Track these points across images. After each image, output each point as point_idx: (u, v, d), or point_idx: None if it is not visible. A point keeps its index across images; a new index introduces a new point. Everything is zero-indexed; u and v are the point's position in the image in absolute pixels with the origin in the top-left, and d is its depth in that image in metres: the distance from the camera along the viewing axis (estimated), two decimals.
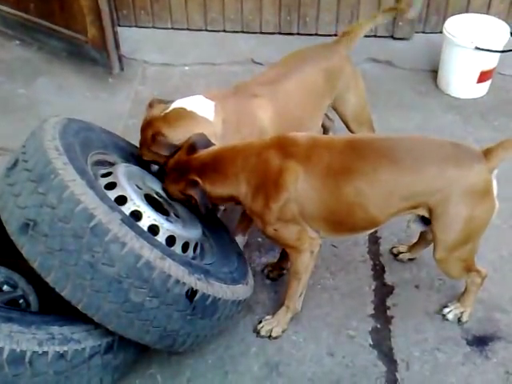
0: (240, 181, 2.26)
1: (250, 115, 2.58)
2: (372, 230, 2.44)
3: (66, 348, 1.92)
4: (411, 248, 2.80)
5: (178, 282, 1.94)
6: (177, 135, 2.43)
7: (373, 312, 2.59)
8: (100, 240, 1.87)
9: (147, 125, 2.52)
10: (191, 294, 1.98)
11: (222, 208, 2.94)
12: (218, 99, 2.55)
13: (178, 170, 2.35)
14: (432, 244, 2.33)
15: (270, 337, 2.48)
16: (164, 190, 2.42)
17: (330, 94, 2.88)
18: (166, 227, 2.17)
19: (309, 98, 2.78)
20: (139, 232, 1.94)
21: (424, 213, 2.23)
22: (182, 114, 2.48)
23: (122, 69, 4.02)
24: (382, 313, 2.59)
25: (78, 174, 1.96)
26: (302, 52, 2.92)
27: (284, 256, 2.67)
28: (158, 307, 1.94)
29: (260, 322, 2.53)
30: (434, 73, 4.04)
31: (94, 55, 4.01)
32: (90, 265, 1.88)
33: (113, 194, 2.15)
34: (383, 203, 2.19)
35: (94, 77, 4.06)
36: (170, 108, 2.52)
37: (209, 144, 2.37)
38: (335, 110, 3.01)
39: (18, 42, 4.38)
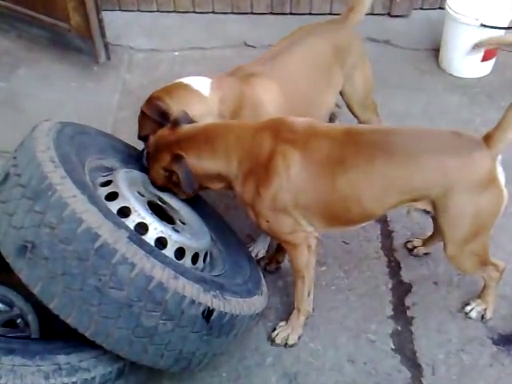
0: (231, 158, 2.10)
1: (249, 96, 2.41)
2: (368, 223, 2.31)
3: (74, 379, 1.76)
4: (426, 241, 2.68)
5: (193, 302, 1.78)
6: (173, 103, 2.30)
7: (392, 313, 2.47)
8: (107, 262, 1.70)
9: (148, 99, 2.36)
10: (208, 313, 1.83)
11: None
12: (216, 78, 2.42)
13: (160, 147, 2.17)
14: None
15: (285, 345, 2.35)
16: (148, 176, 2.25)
17: (341, 71, 2.70)
18: (175, 239, 2.00)
19: (316, 72, 2.60)
20: (149, 250, 1.77)
21: (427, 206, 2.11)
22: (179, 86, 2.37)
23: (108, 57, 3.79)
24: (401, 313, 2.47)
25: (78, 189, 1.78)
26: (307, 27, 2.75)
27: (281, 248, 2.52)
28: (172, 330, 1.79)
29: (274, 329, 2.39)
30: (436, 51, 3.87)
31: (77, 43, 3.77)
32: (96, 289, 1.71)
33: (115, 206, 1.98)
34: (379, 197, 2.08)
35: (78, 66, 3.83)
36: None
37: (192, 123, 2.22)
38: (341, 92, 2.83)
39: None
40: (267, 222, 2.15)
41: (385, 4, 4.15)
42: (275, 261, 2.62)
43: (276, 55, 2.53)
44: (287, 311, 2.44)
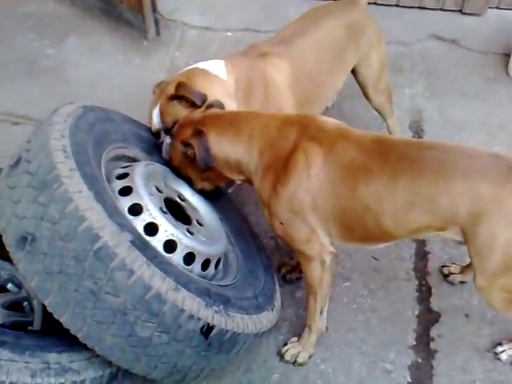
0: (252, 146, 2.00)
1: (262, 75, 2.37)
2: (385, 244, 2.13)
3: (62, 380, 1.69)
4: (464, 269, 2.47)
5: (191, 317, 1.68)
6: (199, 87, 2.24)
7: (414, 343, 2.30)
8: (104, 266, 1.61)
9: (162, 91, 2.30)
10: (207, 329, 1.72)
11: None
12: (229, 59, 2.40)
13: (184, 124, 2.10)
14: None
15: (295, 362, 2.22)
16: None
17: (354, 54, 2.64)
18: (185, 243, 1.89)
19: (328, 55, 2.56)
20: (151, 257, 1.67)
21: (456, 236, 1.93)
22: (198, 72, 2.33)
23: (157, 33, 3.68)
24: (424, 345, 2.29)
25: (86, 184, 1.69)
26: (320, 8, 2.71)
27: None
28: (167, 343, 1.69)
29: (285, 344, 2.27)
30: (506, 57, 3.55)
31: (128, 16, 3.68)
32: (91, 292, 1.63)
33: (127, 202, 1.89)
34: (399, 214, 1.91)
35: (128, 39, 3.74)
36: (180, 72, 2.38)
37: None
38: (355, 73, 2.74)
39: None
40: (281, 224, 2.02)
41: (457, 0, 3.85)
42: (298, 270, 2.47)
43: (290, 37, 2.49)
44: (302, 326, 2.30)
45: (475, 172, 1.84)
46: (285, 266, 2.51)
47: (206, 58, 3.57)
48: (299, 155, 1.94)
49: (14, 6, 3.93)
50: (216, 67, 2.33)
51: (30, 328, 1.98)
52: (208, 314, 1.72)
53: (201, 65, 2.36)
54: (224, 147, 2.02)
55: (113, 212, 1.69)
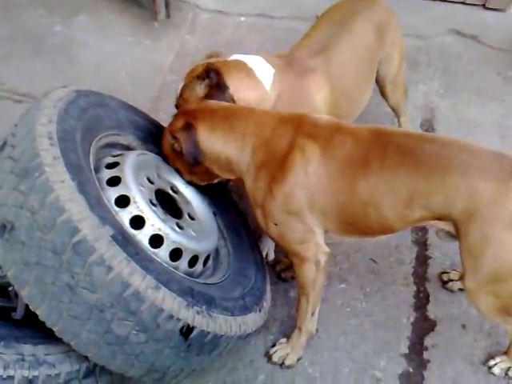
0: (245, 143, 1.92)
1: (306, 98, 2.20)
2: (385, 236, 2.06)
3: (36, 373, 1.65)
4: None
5: (171, 317, 1.62)
6: (232, 82, 2.07)
7: (407, 351, 2.23)
8: (82, 260, 1.55)
9: (205, 66, 2.11)
10: (186, 330, 1.67)
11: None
12: (277, 67, 2.17)
13: (179, 113, 2.03)
14: None
15: (282, 364, 2.17)
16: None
17: (381, 53, 2.48)
18: (172, 238, 1.83)
19: (363, 64, 2.40)
20: (132, 253, 1.61)
21: (450, 228, 1.87)
22: (242, 67, 2.13)
23: (168, 15, 3.59)
24: (417, 354, 2.22)
25: (69, 173, 1.63)
26: (343, 5, 2.49)
27: None
28: (145, 342, 1.64)
29: (274, 345, 2.21)
30: None
31: None
32: (68, 287, 1.58)
33: (114, 193, 1.83)
34: (399, 207, 1.85)
35: (138, 20, 3.66)
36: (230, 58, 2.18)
37: None
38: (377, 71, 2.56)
39: None
40: (276, 225, 1.94)
41: None
42: (292, 268, 2.41)
43: (327, 47, 2.28)
44: (293, 326, 2.23)
45: (474, 168, 1.78)
46: (279, 264, 2.44)
47: (216, 42, 3.57)
48: (295, 153, 1.87)
49: None
50: (264, 72, 2.13)
51: (13, 314, 1.95)
52: (189, 314, 1.66)
53: (249, 60, 2.14)
54: (215, 143, 1.94)
55: (95, 204, 1.63)
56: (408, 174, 1.81)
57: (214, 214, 2.18)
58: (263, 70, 2.14)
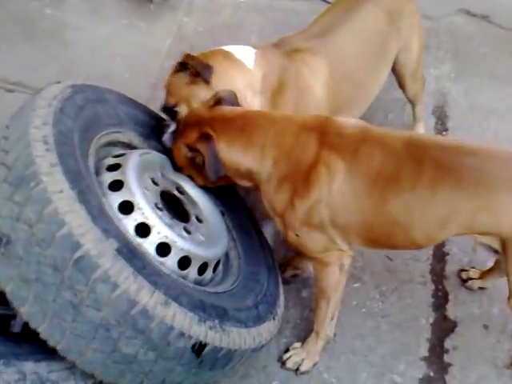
0: (266, 156, 1.81)
1: (296, 78, 2.11)
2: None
3: None
4: (484, 274, 2.28)
5: (182, 334, 1.51)
6: (213, 64, 2.00)
7: (427, 354, 2.13)
8: (85, 277, 1.43)
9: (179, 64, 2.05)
10: (199, 347, 1.55)
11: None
12: (260, 48, 2.15)
13: (190, 122, 1.89)
14: None
15: (297, 370, 2.06)
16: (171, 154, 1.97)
17: (395, 41, 2.36)
18: (180, 246, 1.71)
19: (369, 47, 2.29)
20: (139, 267, 1.49)
21: (494, 244, 1.78)
22: (220, 52, 2.09)
23: None
24: (437, 357, 2.12)
25: (68, 182, 1.49)
26: None
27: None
28: (155, 360, 1.53)
29: (287, 350, 2.10)
30: None
31: None
32: (71, 305, 1.46)
33: (117, 198, 1.70)
34: (434, 228, 1.75)
35: (133, 1, 3.48)
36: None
37: (237, 106, 1.94)
38: (394, 61, 2.45)
39: None
40: (297, 236, 1.84)
41: None
42: (292, 267, 2.30)
43: (325, 30, 2.21)
44: (307, 329, 2.14)
45: None
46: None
47: (215, 24, 3.41)
48: (320, 168, 1.75)
49: None
50: (244, 54, 2.08)
51: (12, 322, 1.83)
52: (201, 330, 1.54)
53: (227, 47, 2.11)
54: (233, 157, 1.82)
55: (98, 215, 1.50)
56: (448, 192, 1.68)
57: (222, 213, 2.06)
58: (242, 51, 2.09)
